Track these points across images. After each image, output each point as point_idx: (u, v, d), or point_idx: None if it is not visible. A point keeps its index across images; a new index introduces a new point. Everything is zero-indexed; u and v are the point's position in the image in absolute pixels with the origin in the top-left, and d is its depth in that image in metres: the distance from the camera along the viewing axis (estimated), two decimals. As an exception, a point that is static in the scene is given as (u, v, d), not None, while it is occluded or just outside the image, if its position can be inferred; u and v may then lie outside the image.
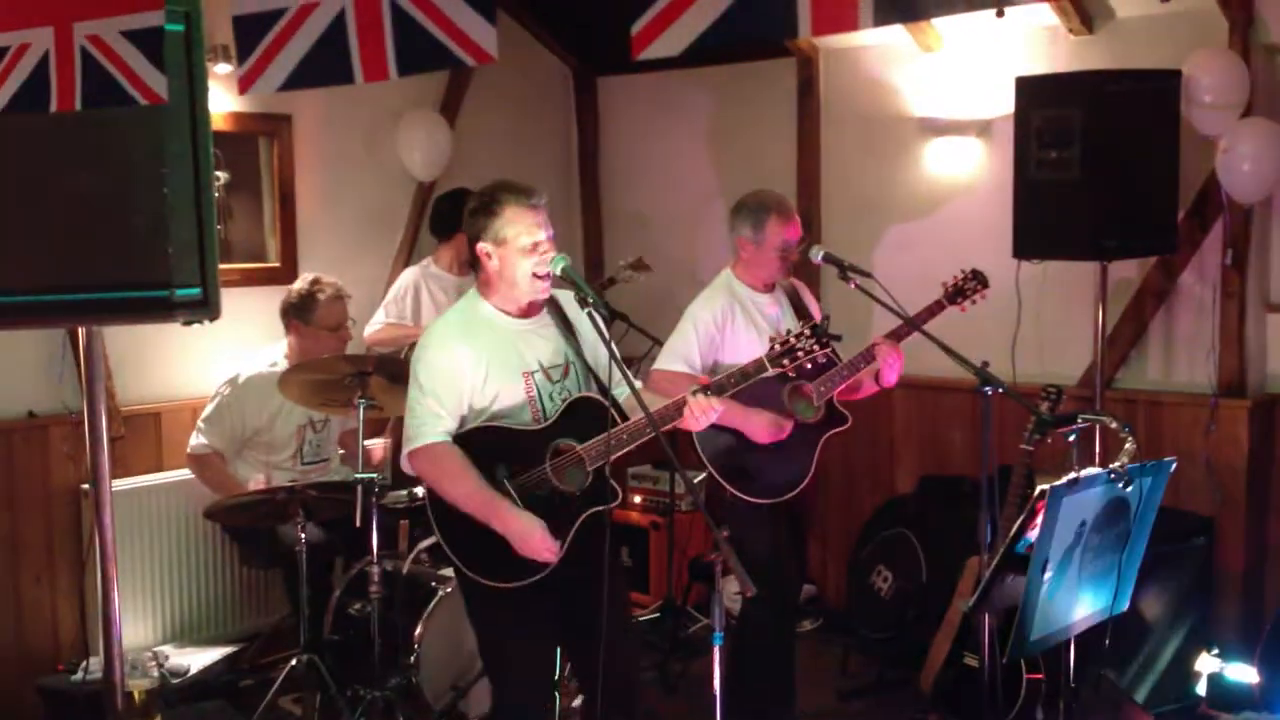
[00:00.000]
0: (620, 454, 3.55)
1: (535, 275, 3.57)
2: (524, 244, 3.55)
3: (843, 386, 4.49)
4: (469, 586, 3.66)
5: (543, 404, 3.61)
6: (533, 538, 3.46)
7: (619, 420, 3.57)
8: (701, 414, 3.51)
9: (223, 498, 4.88)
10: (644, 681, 5.48)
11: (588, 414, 3.60)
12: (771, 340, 3.60)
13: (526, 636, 3.65)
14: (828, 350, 3.58)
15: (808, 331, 3.52)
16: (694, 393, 3.52)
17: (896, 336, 4.44)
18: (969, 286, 4.56)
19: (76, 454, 5.19)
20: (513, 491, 3.52)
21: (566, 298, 3.75)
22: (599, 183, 7.42)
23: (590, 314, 3.57)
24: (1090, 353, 5.21)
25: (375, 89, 5.53)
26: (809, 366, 3.58)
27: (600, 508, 3.58)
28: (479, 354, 3.56)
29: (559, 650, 3.94)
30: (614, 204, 7.40)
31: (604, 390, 3.63)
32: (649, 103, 7.14)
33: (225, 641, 5.45)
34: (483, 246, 3.59)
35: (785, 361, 3.54)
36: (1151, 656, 4.88)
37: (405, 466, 3.63)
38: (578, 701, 4.42)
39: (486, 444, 3.54)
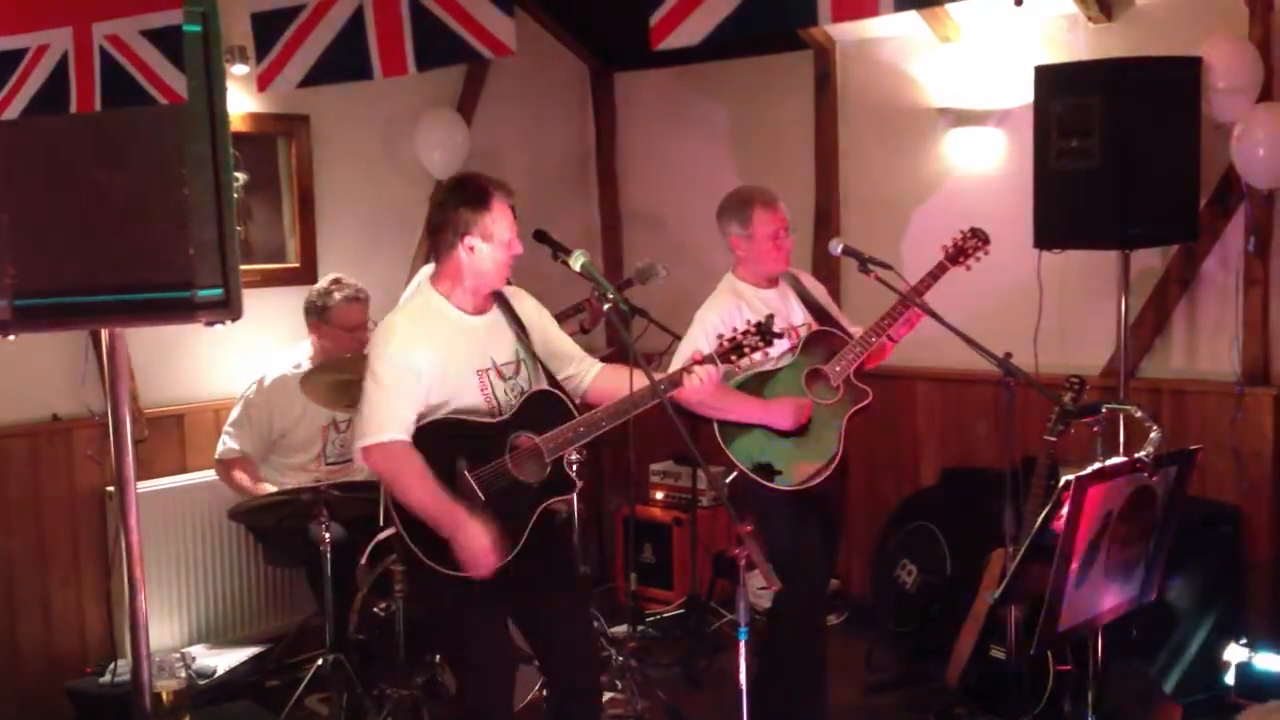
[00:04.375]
0: (580, 444, 3.74)
1: (505, 264, 3.72)
2: (506, 239, 3.69)
3: (858, 364, 4.48)
4: (420, 575, 3.70)
5: (497, 399, 3.71)
6: (478, 551, 3.52)
7: (575, 412, 3.74)
8: (705, 375, 3.70)
9: (247, 499, 4.89)
10: (669, 677, 5.49)
11: (544, 407, 3.74)
12: (720, 338, 3.86)
13: (479, 616, 3.70)
14: (767, 348, 3.83)
15: (753, 329, 3.77)
16: (689, 370, 3.71)
17: (903, 307, 4.41)
18: (969, 245, 4.53)
19: (100, 456, 5.20)
20: (473, 483, 3.59)
21: (514, 293, 3.88)
22: (616, 179, 7.41)
23: (608, 311, 3.67)
24: (1113, 342, 5.19)
25: (392, 88, 5.55)
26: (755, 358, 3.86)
27: (558, 497, 3.74)
28: (436, 352, 3.64)
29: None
30: (631, 200, 7.39)
31: (554, 382, 3.79)
32: (666, 99, 7.13)
33: (252, 642, 5.45)
34: (471, 240, 3.66)
35: (733, 357, 3.78)
36: (1179, 646, 4.85)
37: (358, 458, 3.69)
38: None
39: (447, 436, 3.62)
